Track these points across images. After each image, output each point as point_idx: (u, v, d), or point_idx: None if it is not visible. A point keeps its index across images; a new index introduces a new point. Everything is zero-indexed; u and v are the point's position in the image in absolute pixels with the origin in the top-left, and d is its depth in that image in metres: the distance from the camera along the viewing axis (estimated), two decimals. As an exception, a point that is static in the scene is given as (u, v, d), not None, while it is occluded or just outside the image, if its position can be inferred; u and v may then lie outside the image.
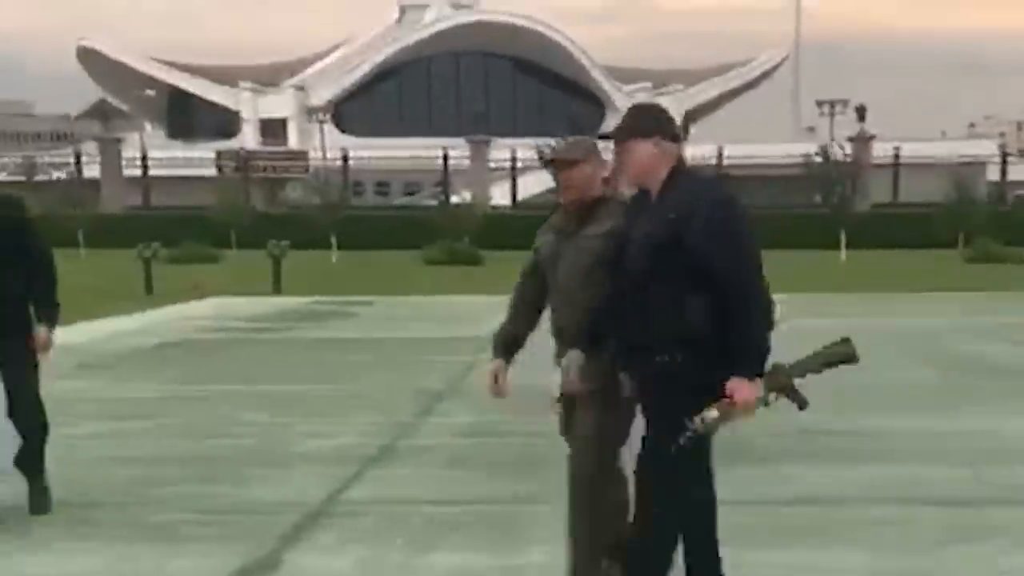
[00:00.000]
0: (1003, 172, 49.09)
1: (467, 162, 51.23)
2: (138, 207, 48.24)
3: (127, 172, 51.98)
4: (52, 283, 5.94)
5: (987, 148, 64.29)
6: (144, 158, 52.77)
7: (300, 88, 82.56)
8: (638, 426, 4.15)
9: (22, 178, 46.62)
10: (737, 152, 51.71)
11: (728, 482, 6.52)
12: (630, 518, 4.22)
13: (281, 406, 9.36)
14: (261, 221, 38.91)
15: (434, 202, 48.33)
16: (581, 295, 4.22)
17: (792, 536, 5.59)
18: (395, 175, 62.15)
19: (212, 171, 56.04)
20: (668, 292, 3.70)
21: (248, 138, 78.96)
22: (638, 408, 4.11)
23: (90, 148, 54.51)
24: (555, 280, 4.41)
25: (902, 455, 7.39)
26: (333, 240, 35.85)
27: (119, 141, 53.79)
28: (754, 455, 7.19)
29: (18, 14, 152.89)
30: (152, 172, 54.05)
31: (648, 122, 3.93)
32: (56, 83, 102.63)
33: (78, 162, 46.80)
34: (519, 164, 49.48)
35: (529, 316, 4.62)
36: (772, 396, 3.82)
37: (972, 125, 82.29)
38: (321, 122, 67.25)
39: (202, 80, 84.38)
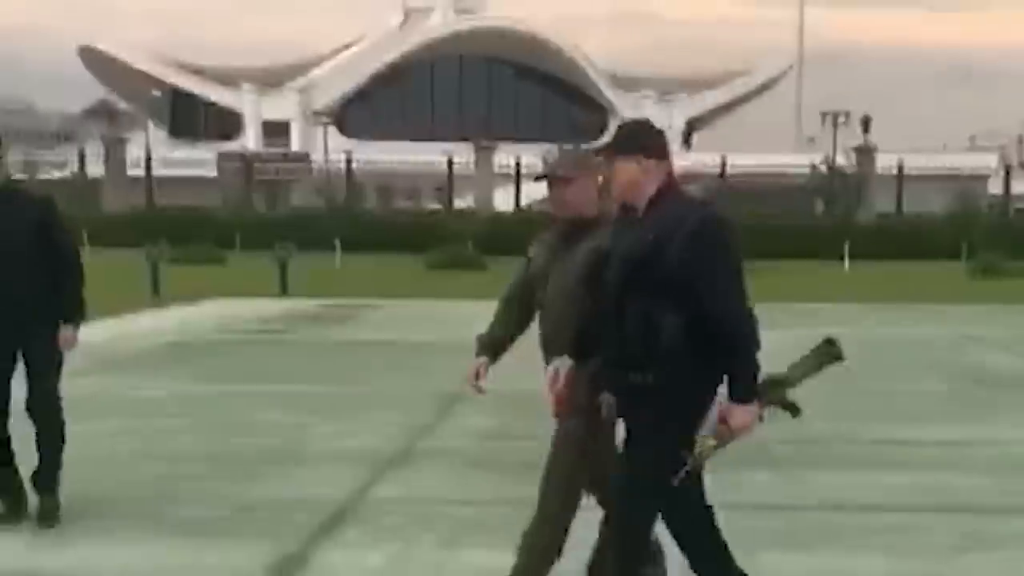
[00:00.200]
0: (1007, 185, 49.21)
1: (470, 167, 51.29)
2: (140, 207, 48.28)
3: (129, 172, 52.03)
4: (79, 281, 5.91)
5: (989, 161, 64.57)
6: (148, 158, 52.78)
7: (303, 90, 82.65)
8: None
9: (23, 176, 46.68)
10: (741, 162, 51.85)
11: (749, 487, 6.66)
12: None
13: (298, 406, 9.44)
14: (264, 223, 38.95)
15: (438, 206, 48.44)
16: (568, 312, 4.20)
17: (813, 541, 5.67)
18: (397, 179, 62.25)
19: (213, 172, 56.07)
20: (643, 311, 3.69)
21: (250, 140, 79.09)
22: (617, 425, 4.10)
23: (93, 147, 54.57)
24: (543, 295, 4.40)
25: (920, 463, 7.48)
26: (337, 244, 35.89)
27: (124, 141, 53.83)
28: (774, 461, 7.28)
29: (16, 9, 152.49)
30: (154, 172, 54.08)
31: (632, 141, 3.90)
32: (55, 81, 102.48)
33: (82, 161, 46.74)
34: (523, 170, 49.55)
35: (514, 320, 4.60)
36: (767, 411, 3.83)
37: (973, 138, 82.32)
38: (325, 124, 67.29)
39: (205, 80, 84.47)
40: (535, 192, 47.88)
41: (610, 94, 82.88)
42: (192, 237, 36.10)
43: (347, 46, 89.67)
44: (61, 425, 5.90)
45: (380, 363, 12.42)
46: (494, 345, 4.61)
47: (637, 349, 3.70)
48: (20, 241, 5.67)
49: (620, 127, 4.03)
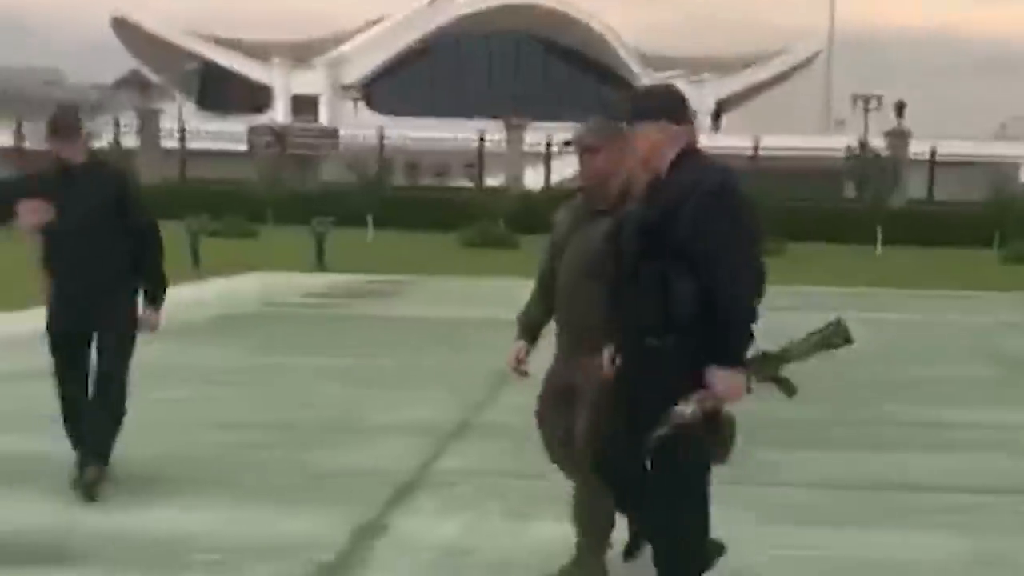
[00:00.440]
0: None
1: (501, 145, 51.29)
2: (173, 179, 48.53)
3: (162, 144, 52.26)
4: (158, 259, 5.87)
5: (1020, 149, 64.10)
6: (183, 130, 53.03)
7: (332, 65, 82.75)
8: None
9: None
10: (773, 143, 51.68)
11: (801, 466, 6.78)
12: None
13: (351, 379, 9.62)
14: (296, 198, 39.15)
15: (467, 183, 48.46)
16: (581, 287, 4.22)
17: (869, 519, 5.77)
18: (426, 156, 62.31)
19: (243, 145, 56.23)
20: (659, 275, 3.65)
21: (279, 113, 79.25)
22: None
23: (125, 119, 54.78)
24: (560, 267, 4.42)
25: (972, 445, 7.58)
26: (369, 219, 36.05)
27: (157, 112, 54.09)
28: (828, 443, 7.39)
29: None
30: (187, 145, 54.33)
31: (653, 105, 3.86)
32: (83, 52, 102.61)
33: (117, 132, 47.00)
34: (553, 148, 49.53)
35: (549, 301, 4.56)
36: (754, 382, 3.74)
37: (1003, 125, 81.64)
38: (356, 99, 67.36)
39: (235, 54, 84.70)
40: (565, 170, 47.91)
41: (639, 72, 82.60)
42: (224, 210, 36.28)
43: (376, 21, 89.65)
44: (121, 404, 5.82)
45: (426, 338, 12.57)
46: (531, 328, 4.66)
47: (652, 313, 3.66)
48: (97, 217, 5.65)
49: (641, 92, 4.04)
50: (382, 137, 50.72)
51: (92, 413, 5.80)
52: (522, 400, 8.78)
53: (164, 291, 5.95)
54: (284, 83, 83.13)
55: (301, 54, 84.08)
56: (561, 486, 6.25)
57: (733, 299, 3.59)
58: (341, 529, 5.34)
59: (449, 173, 59.64)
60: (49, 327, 5.90)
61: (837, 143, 47.91)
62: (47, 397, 6.09)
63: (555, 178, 49.16)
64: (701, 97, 79.51)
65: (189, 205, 30.54)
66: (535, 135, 51.49)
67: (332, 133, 62.21)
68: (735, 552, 4.45)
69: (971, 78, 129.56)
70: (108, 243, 5.70)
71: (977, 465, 6.99)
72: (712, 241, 3.58)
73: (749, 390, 3.71)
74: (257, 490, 6.04)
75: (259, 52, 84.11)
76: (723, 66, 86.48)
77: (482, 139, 50.41)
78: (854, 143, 43.13)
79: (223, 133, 58.99)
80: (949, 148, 51.98)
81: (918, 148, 47.70)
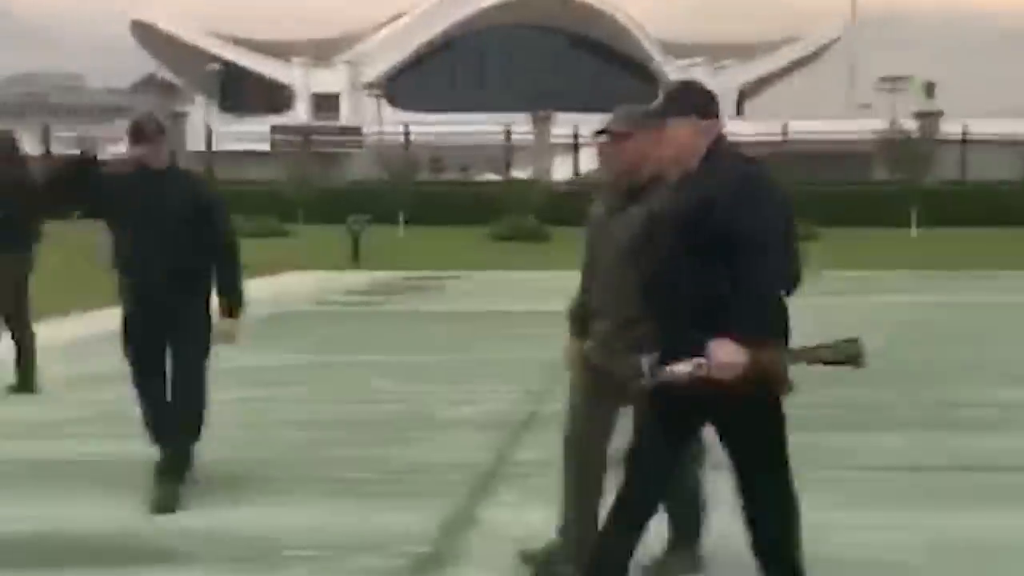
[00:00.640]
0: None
1: (527, 138, 51.24)
2: (202, 181, 48.55)
3: (188, 147, 52.50)
4: (236, 269, 5.76)
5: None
6: (209, 132, 53.25)
7: (352, 63, 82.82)
8: None
9: (78, 152, 47.07)
10: (801, 128, 51.44)
11: (879, 449, 6.75)
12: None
13: (412, 375, 9.63)
14: (326, 196, 39.25)
15: (493, 177, 48.40)
16: (619, 275, 4.19)
17: (950, 501, 5.74)
18: (450, 151, 62.32)
19: (266, 146, 56.40)
20: (697, 269, 3.66)
21: (300, 113, 79.42)
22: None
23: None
24: (598, 257, 4.41)
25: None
26: (400, 216, 36.10)
27: (183, 115, 54.35)
28: (904, 425, 7.37)
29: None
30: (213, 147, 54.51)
31: (685, 101, 3.89)
32: (98, 55, 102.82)
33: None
34: (580, 140, 49.45)
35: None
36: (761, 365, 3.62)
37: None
38: (378, 97, 67.47)
39: (256, 54, 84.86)
40: (593, 162, 47.78)
41: (661, 61, 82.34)
42: (254, 210, 36.35)
43: (396, 17, 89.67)
44: (200, 415, 5.75)
45: (475, 332, 12.60)
46: (580, 321, 4.63)
47: (693, 307, 3.66)
48: (173, 224, 5.58)
49: (671, 88, 4.01)
50: (407, 133, 50.73)
51: (172, 424, 5.72)
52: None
53: (241, 303, 5.81)
54: (304, 82, 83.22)
55: (321, 53, 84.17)
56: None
57: (763, 283, 3.62)
58: (431, 522, 5.35)
59: (473, 168, 59.67)
60: (124, 331, 5.81)
61: (866, 126, 47.64)
62: (128, 400, 6.10)
63: (583, 169, 49.00)
64: (724, 84, 79.20)
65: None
66: (562, 127, 51.42)
67: (355, 131, 62.43)
68: (821, 537, 4.42)
69: (998, 53, 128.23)
70: (186, 250, 5.61)
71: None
72: (749, 229, 3.59)
73: (744, 370, 3.58)
74: (340, 486, 6.06)
75: (278, 51, 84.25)
76: (745, 52, 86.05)
77: (508, 132, 50.34)
78: (883, 125, 42.91)
79: (246, 134, 59.22)
80: (981, 127, 51.60)
81: (949, 128, 47.46)
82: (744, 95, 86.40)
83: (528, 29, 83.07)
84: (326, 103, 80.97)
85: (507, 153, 51.06)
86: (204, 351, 5.78)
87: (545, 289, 17.40)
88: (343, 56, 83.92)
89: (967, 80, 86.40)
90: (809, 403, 6.56)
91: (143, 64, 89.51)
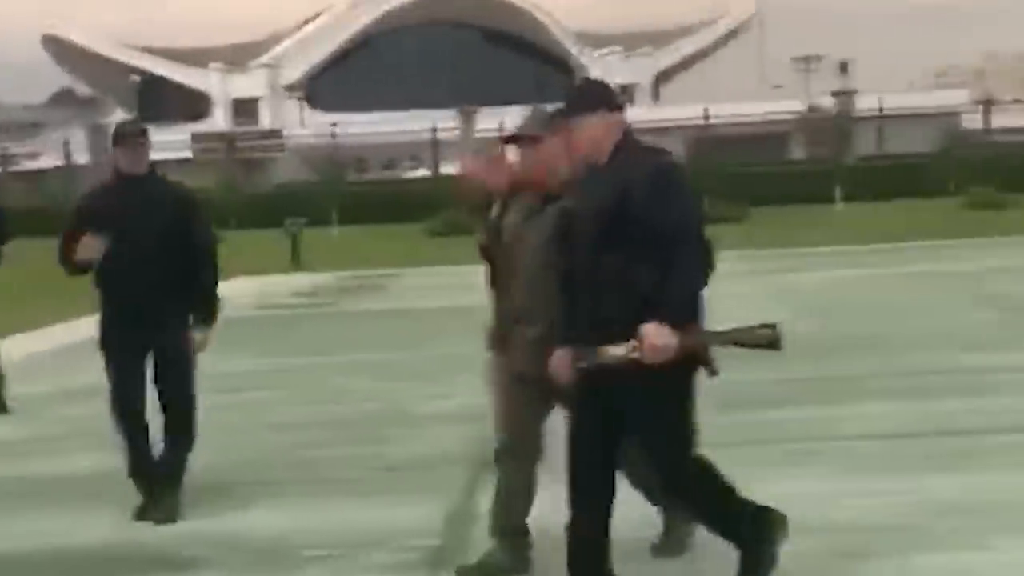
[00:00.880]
0: (985, 119, 49.88)
1: (456, 133, 51.26)
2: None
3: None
4: (212, 279, 5.72)
5: (959, 97, 65.05)
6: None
7: (271, 66, 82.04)
8: None
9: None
10: (722, 111, 52.09)
11: (855, 419, 6.95)
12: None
13: (380, 373, 9.69)
14: (256, 201, 39.01)
15: (420, 173, 48.37)
16: (544, 277, 4.21)
17: (930, 465, 5.93)
18: (377, 150, 62.05)
19: (187, 153, 55.68)
20: (618, 263, 3.77)
21: (219, 119, 78.50)
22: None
23: (61, 136, 54.05)
24: (513, 266, 4.41)
25: (1008, 388, 7.76)
26: (334, 215, 35.96)
27: (106, 127, 53.48)
28: (876, 394, 7.60)
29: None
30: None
31: (591, 97, 4.01)
32: (9, 72, 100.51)
33: (67, 150, 46.48)
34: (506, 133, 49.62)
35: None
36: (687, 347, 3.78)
37: (940, 75, 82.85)
38: (300, 99, 66.97)
39: (172, 63, 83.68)
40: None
41: (577, 52, 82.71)
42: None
43: (311, 19, 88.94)
44: (192, 425, 5.71)
45: (433, 328, 12.63)
46: (504, 339, 4.63)
47: (617, 300, 3.77)
48: (154, 234, 5.50)
49: (577, 86, 4.16)
50: (334, 135, 50.53)
51: (167, 444, 5.69)
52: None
53: (215, 313, 5.73)
54: (222, 88, 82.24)
55: (237, 58, 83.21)
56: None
57: (692, 271, 3.76)
58: (435, 516, 5.44)
59: (400, 165, 59.50)
60: (103, 342, 5.72)
61: (784, 107, 48.48)
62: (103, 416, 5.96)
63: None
64: (641, 71, 79.91)
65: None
66: (487, 121, 51.49)
67: (276, 134, 61.95)
68: (808, 506, 4.61)
69: (907, 26, 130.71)
70: (163, 261, 5.52)
71: (1016, 406, 7.18)
72: (670, 218, 3.73)
73: (678, 351, 3.73)
74: (339, 486, 6.13)
75: (194, 59, 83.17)
76: (659, 38, 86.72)
77: (434, 129, 50.34)
78: (800, 106, 43.71)
79: (167, 143, 58.33)
80: (895, 101, 52.69)
81: (865, 103, 48.39)
82: (660, 81, 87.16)
83: (446, 26, 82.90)
84: (245, 108, 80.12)
85: (434, 149, 51.02)
86: (191, 357, 5.72)
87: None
88: (260, 60, 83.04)
89: (876, 56, 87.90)
90: (780, 379, 6.75)
91: (58, 79, 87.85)
